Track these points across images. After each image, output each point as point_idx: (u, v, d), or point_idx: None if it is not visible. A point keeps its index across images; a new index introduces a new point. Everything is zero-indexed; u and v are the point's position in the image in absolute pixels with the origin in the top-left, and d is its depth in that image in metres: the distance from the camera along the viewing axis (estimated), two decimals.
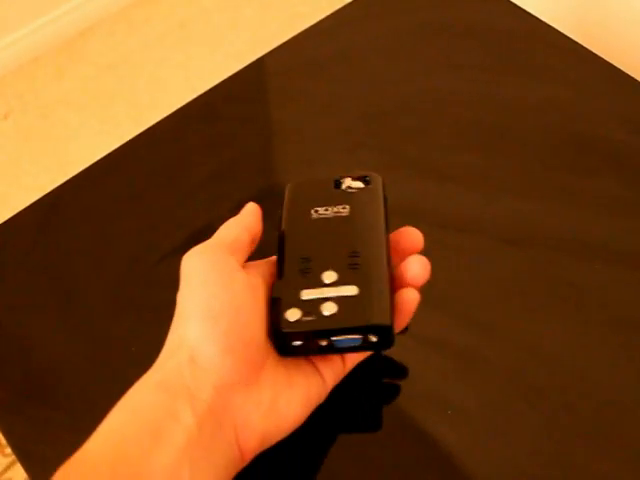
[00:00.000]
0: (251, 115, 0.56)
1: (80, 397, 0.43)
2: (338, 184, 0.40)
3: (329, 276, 0.35)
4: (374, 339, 0.34)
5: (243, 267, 0.36)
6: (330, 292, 0.34)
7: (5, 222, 0.51)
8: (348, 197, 0.39)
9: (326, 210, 0.39)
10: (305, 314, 0.34)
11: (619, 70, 0.56)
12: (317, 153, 0.53)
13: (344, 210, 0.39)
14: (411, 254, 0.37)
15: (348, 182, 0.40)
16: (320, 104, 0.57)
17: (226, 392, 0.32)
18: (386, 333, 0.34)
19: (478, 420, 0.40)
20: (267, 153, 0.54)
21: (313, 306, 0.34)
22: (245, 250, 0.37)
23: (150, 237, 0.50)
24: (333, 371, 0.37)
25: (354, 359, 0.38)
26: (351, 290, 0.34)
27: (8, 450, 1.14)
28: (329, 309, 0.34)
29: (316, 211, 0.39)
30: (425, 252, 0.47)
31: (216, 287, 0.33)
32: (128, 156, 0.54)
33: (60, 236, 0.50)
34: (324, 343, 0.34)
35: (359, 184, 0.40)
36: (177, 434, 0.30)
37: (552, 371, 0.42)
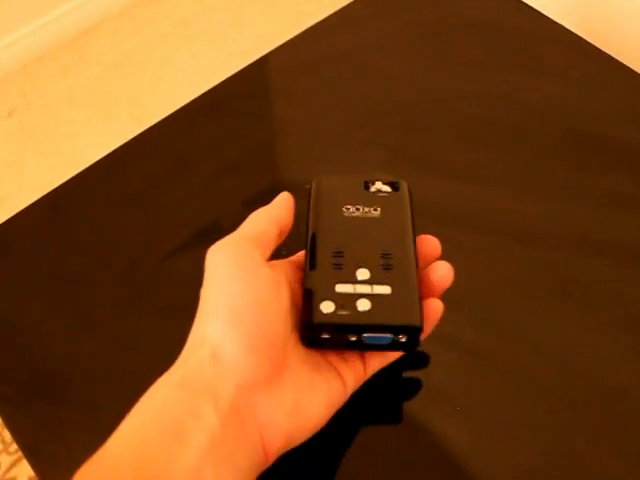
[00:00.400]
0: (256, 113, 0.56)
1: (86, 395, 0.43)
2: (367, 186, 0.41)
3: (362, 273, 0.35)
4: (403, 339, 0.34)
5: (272, 263, 0.36)
6: (364, 289, 0.35)
7: (9, 220, 0.51)
8: (378, 200, 0.40)
9: (357, 209, 0.39)
10: (339, 307, 0.34)
11: (625, 66, 0.56)
12: (322, 150, 0.53)
13: (375, 212, 0.39)
14: (429, 261, 0.38)
15: (378, 185, 0.41)
16: (325, 102, 0.56)
17: (249, 391, 0.32)
18: (415, 334, 0.34)
19: (486, 417, 0.40)
20: (272, 151, 0.54)
21: (347, 300, 0.34)
22: (272, 244, 0.37)
23: (154, 235, 0.50)
24: (354, 376, 0.36)
25: (375, 365, 0.37)
26: (384, 289, 0.35)
27: (12, 448, 1.14)
28: (363, 305, 0.34)
29: (347, 209, 0.39)
30: None
31: (240, 285, 0.33)
32: (132, 154, 0.54)
33: (64, 234, 0.50)
34: (353, 338, 0.34)
35: (388, 189, 0.41)
36: (200, 434, 0.29)
37: (559, 368, 0.41)
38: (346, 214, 0.39)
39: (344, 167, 0.52)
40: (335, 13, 0.62)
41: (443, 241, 0.47)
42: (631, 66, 0.56)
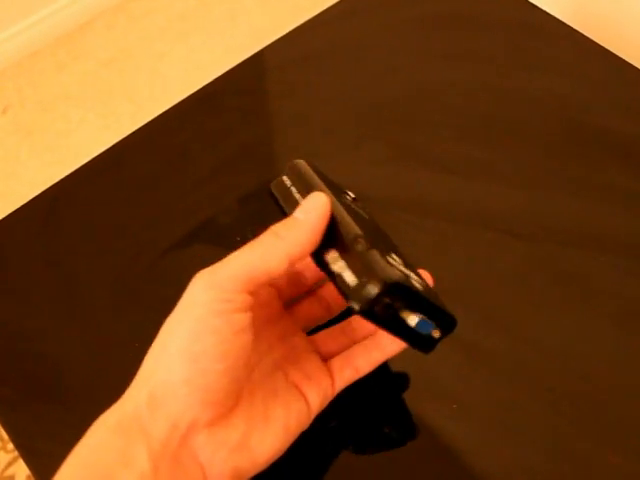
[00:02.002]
0: (252, 108, 0.56)
1: (83, 393, 0.42)
2: (341, 192, 0.38)
3: (395, 259, 0.32)
4: (437, 334, 0.33)
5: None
6: (408, 271, 0.32)
7: (5, 217, 0.51)
8: (358, 205, 0.38)
9: (354, 201, 0.37)
10: (402, 272, 0.30)
11: (624, 61, 0.56)
12: (319, 145, 0.53)
13: (365, 211, 0.37)
14: None
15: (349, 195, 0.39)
16: (322, 97, 0.56)
17: (186, 430, 0.30)
18: (449, 331, 0.33)
19: (483, 414, 0.40)
20: (269, 146, 0.54)
21: (404, 274, 0.30)
22: (272, 282, 0.33)
23: (152, 231, 0.49)
24: (320, 394, 0.35)
25: (343, 381, 0.36)
26: (419, 282, 0.32)
27: (10, 446, 1.14)
28: (416, 282, 0.31)
29: (347, 197, 0.37)
30: (430, 245, 0.47)
31: (205, 328, 0.30)
32: (129, 150, 0.54)
33: (61, 231, 0.50)
34: (405, 315, 0.31)
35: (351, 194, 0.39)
36: None
37: (557, 364, 0.41)
38: (349, 201, 0.36)
39: (341, 162, 0.52)
40: (331, 7, 0.62)
41: (442, 237, 0.47)
42: (629, 60, 0.55)
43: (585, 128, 0.52)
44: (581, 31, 0.58)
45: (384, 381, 0.41)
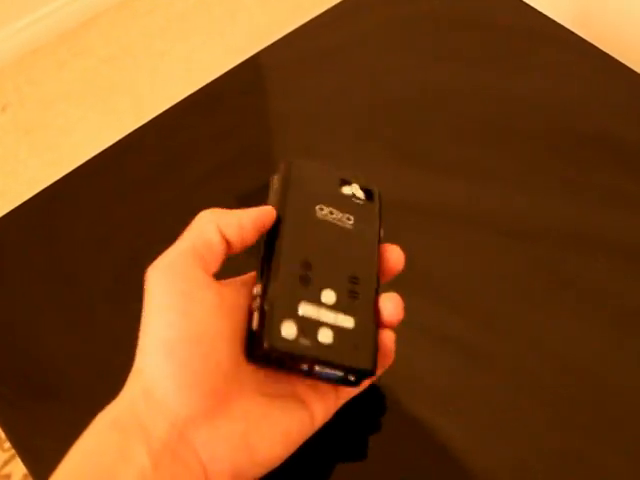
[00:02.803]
0: (253, 107, 0.56)
1: (80, 391, 0.42)
2: (343, 185, 0.37)
3: (328, 296, 0.33)
4: (352, 378, 0.33)
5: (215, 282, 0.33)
6: (328, 316, 0.32)
7: (5, 215, 0.51)
8: (353, 207, 0.37)
9: (331, 213, 0.36)
10: (301, 334, 0.31)
11: (622, 64, 0.56)
12: (319, 145, 0.53)
13: (349, 222, 0.36)
14: (390, 273, 0.36)
15: (354, 189, 0.37)
16: (321, 97, 0.56)
17: (186, 427, 0.30)
18: (366, 376, 0.33)
19: (481, 414, 0.40)
20: (269, 145, 0.54)
21: (310, 326, 0.32)
22: (218, 255, 0.33)
23: (151, 230, 0.49)
24: (324, 407, 0.34)
25: (348, 393, 0.36)
26: (347, 322, 0.32)
27: (7, 445, 1.14)
28: (325, 337, 0.32)
29: (321, 209, 0.36)
30: (426, 245, 0.47)
31: (176, 313, 0.30)
32: (129, 149, 0.54)
33: (60, 230, 0.50)
34: (305, 367, 0.32)
35: (363, 195, 0.37)
36: (129, 478, 0.28)
37: (554, 365, 0.41)
38: (319, 215, 0.35)
39: (340, 162, 0.52)
40: (331, 8, 0.62)
41: (438, 238, 0.47)
42: (628, 64, 0.55)
43: (584, 131, 0.52)
44: (580, 34, 0.58)
45: (382, 381, 0.41)
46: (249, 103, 0.56)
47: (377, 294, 0.35)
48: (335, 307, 0.33)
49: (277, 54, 0.59)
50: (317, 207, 0.36)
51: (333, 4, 0.62)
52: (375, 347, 0.33)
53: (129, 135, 0.54)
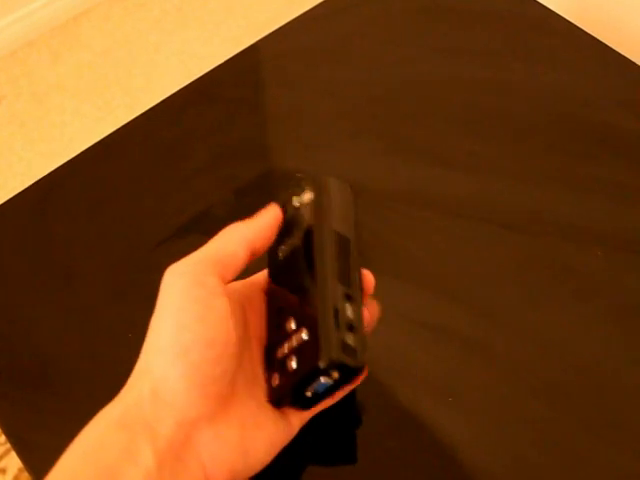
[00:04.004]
0: (248, 100, 0.56)
1: (76, 384, 0.42)
2: (286, 210, 0.36)
3: (290, 324, 0.33)
4: (337, 374, 0.31)
5: (228, 287, 0.34)
6: (292, 343, 0.33)
7: None
8: (296, 220, 0.36)
9: (285, 246, 0.36)
10: (280, 378, 0.33)
11: (620, 55, 0.55)
12: (316, 137, 0.53)
13: (296, 239, 0.35)
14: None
15: (296, 201, 0.36)
16: (318, 89, 0.56)
17: (191, 427, 0.30)
18: (341, 366, 0.31)
19: (479, 407, 0.40)
20: (265, 137, 0.54)
21: (282, 365, 0.33)
22: (238, 266, 0.34)
23: (147, 222, 0.49)
24: (299, 416, 0.35)
25: (323, 404, 0.36)
26: (304, 334, 0.32)
27: (2, 439, 1.13)
28: (292, 364, 0.32)
29: (281, 249, 0.36)
30: (424, 237, 0.47)
31: (190, 317, 0.31)
32: (124, 140, 0.54)
33: (55, 221, 0.50)
34: (309, 394, 0.33)
35: (305, 196, 0.36)
36: (134, 476, 0.28)
37: (555, 358, 0.41)
38: (281, 257, 0.36)
39: (337, 154, 0.51)
40: (328, 0, 0.62)
41: (438, 231, 0.47)
42: (626, 55, 0.55)
43: (584, 123, 0.52)
44: (580, 26, 0.58)
45: (379, 373, 0.41)
46: (245, 95, 0.56)
47: (347, 269, 0.34)
48: (294, 331, 0.33)
49: (274, 46, 0.59)
50: (279, 250, 0.36)
51: None
52: (333, 337, 0.31)
53: (124, 127, 0.54)
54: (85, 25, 1.72)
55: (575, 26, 0.58)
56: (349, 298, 0.33)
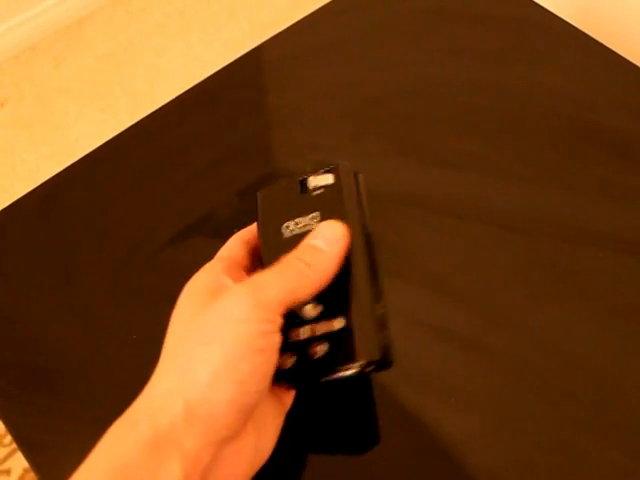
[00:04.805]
0: (250, 103, 0.56)
1: (81, 385, 0.42)
2: (304, 186, 0.36)
3: (313, 309, 0.33)
4: (368, 369, 0.32)
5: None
6: (318, 329, 0.32)
7: (3, 210, 0.51)
8: (316, 201, 0.35)
9: (297, 224, 0.35)
10: (298, 360, 0.32)
11: (622, 58, 0.56)
12: (318, 139, 0.53)
13: (314, 221, 0.35)
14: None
15: (314, 181, 0.36)
16: (320, 91, 0.56)
17: (218, 446, 0.30)
18: (380, 364, 0.32)
19: (481, 407, 0.40)
20: (268, 140, 0.54)
21: (304, 349, 0.32)
22: (242, 264, 0.36)
23: (150, 224, 0.49)
24: (290, 394, 0.36)
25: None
26: (338, 323, 0.32)
27: (7, 440, 1.14)
28: (320, 350, 0.32)
29: (287, 227, 0.35)
30: (426, 239, 0.47)
31: (252, 348, 0.30)
32: (128, 144, 0.54)
33: (59, 224, 0.50)
34: (323, 380, 0.33)
35: (326, 179, 0.36)
36: None
37: (556, 359, 0.41)
38: (287, 234, 0.35)
39: (339, 156, 0.51)
40: (330, 3, 0.62)
41: (440, 231, 0.47)
42: (625, 56, 0.56)
43: (584, 125, 0.52)
44: (580, 28, 0.58)
45: (382, 374, 0.41)
46: (248, 97, 0.56)
47: (371, 263, 0.34)
48: (322, 316, 0.33)
49: (276, 48, 0.59)
50: (283, 227, 0.35)
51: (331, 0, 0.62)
52: (374, 333, 0.32)
53: (128, 129, 0.54)
54: (88, 29, 1.73)
55: (577, 29, 0.58)
56: (377, 295, 0.33)
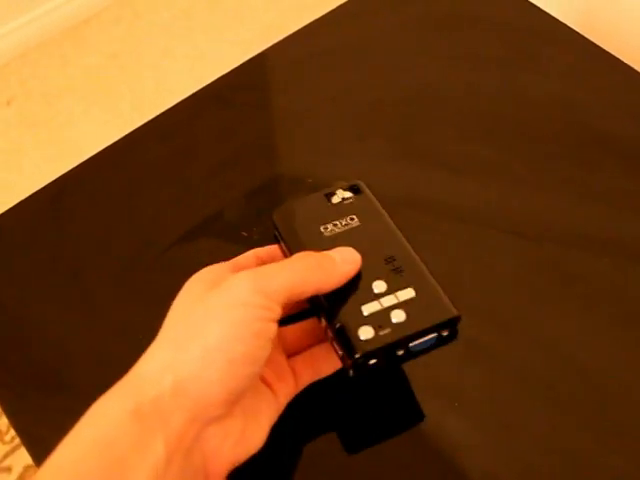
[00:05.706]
0: (257, 105, 0.56)
1: (86, 382, 0.43)
2: (330, 199, 0.40)
3: (379, 286, 0.35)
4: (445, 333, 0.34)
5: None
6: (390, 300, 0.34)
7: (10, 209, 0.51)
8: (348, 208, 0.39)
9: (335, 225, 0.38)
10: (377, 329, 0.33)
11: (625, 64, 0.56)
12: (325, 141, 0.53)
13: (353, 221, 0.38)
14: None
15: (340, 194, 0.40)
16: (327, 94, 0.56)
17: (203, 425, 0.31)
18: (455, 324, 0.34)
19: (485, 412, 0.40)
20: (275, 142, 0.54)
21: (381, 318, 0.34)
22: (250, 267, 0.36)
23: (156, 226, 0.50)
24: (287, 392, 0.36)
25: (306, 379, 0.37)
26: (409, 293, 0.34)
27: (8, 437, 1.14)
28: (398, 317, 0.34)
29: (326, 228, 0.38)
30: (433, 244, 0.47)
31: (246, 332, 0.31)
32: (135, 145, 0.54)
33: (66, 224, 0.50)
34: (401, 352, 0.34)
35: (350, 194, 0.40)
36: (143, 473, 0.28)
37: (559, 364, 0.42)
38: (327, 234, 0.38)
39: (346, 159, 0.52)
40: (338, 7, 0.62)
41: (445, 236, 0.48)
42: (631, 64, 0.56)
43: (588, 130, 0.52)
44: (584, 34, 0.58)
45: (385, 378, 0.41)
46: (254, 100, 0.57)
47: (415, 253, 0.37)
48: (390, 289, 0.35)
49: (283, 52, 0.60)
50: (321, 229, 0.38)
51: (339, 3, 0.62)
52: (446, 296, 0.35)
53: (134, 131, 0.55)
54: (95, 28, 1.73)
55: (580, 35, 0.58)
56: None
